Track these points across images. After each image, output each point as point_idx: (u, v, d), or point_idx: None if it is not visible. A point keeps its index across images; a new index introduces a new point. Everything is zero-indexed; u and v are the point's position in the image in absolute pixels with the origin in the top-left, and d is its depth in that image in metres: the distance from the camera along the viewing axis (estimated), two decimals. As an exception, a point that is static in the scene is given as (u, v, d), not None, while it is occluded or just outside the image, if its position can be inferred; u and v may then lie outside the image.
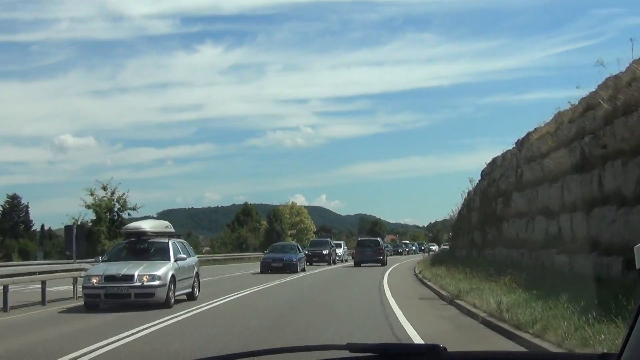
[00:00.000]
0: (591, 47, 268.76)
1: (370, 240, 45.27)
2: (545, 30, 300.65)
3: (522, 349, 8.13)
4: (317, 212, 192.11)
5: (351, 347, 2.18)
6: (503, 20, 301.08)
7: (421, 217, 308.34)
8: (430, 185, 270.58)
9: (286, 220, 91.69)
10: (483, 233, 27.58)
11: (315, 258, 39.97)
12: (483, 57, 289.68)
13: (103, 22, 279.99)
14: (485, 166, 30.40)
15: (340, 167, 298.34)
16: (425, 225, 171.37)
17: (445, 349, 2.10)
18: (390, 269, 35.00)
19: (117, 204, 46.35)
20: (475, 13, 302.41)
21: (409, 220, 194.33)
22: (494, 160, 27.56)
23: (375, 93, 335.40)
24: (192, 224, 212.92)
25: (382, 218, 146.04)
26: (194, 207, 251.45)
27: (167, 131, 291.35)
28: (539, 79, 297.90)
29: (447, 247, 55.32)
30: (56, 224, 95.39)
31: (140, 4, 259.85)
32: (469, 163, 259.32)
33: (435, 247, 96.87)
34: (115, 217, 45.96)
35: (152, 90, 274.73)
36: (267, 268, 31.00)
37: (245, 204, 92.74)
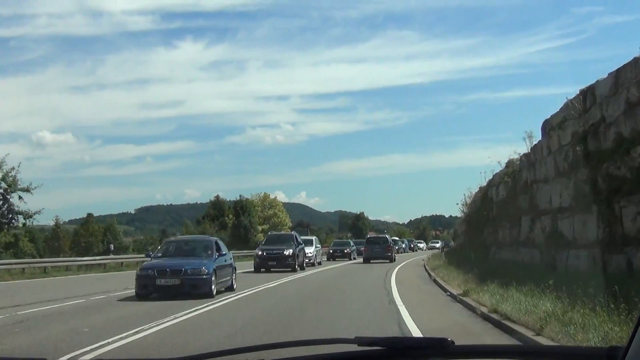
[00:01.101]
0: (571, 45, 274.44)
1: (379, 237, 47.18)
2: (525, 28, 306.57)
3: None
4: (297, 209, 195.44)
5: (360, 340, 2.23)
6: (483, 18, 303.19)
7: (401, 214, 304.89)
8: (411, 183, 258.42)
9: (256, 213, 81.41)
10: (510, 229, 21.60)
11: (272, 262, 29.02)
12: (463, 55, 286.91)
13: (82, 18, 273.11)
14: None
15: (320, 164, 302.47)
16: (406, 223, 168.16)
17: (452, 342, 2.15)
18: (395, 278, 24.17)
19: (2, 182, 35.04)
20: (455, 11, 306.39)
21: (388, 218, 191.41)
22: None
23: (356, 90, 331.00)
24: (170, 221, 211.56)
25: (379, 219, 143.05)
26: (173, 203, 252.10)
27: (147, 128, 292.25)
28: (518, 77, 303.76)
29: (450, 245, 53.90)
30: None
31: (120, 0, 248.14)
32: (450, 161, 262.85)
33: (422, 245, 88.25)
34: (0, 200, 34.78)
35: (132, 87, 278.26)
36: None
37: (217, 198, 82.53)
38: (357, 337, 2.22)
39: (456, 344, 2.15)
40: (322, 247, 47.23)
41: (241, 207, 68.07)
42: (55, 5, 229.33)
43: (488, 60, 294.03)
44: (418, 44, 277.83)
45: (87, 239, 72.22)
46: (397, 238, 77.23)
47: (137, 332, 9.86)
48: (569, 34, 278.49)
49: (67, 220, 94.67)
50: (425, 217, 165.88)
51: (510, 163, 22.81)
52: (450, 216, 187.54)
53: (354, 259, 45.74)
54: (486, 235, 28.59)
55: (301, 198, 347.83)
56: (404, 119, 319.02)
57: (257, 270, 28.42)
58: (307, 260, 33.18)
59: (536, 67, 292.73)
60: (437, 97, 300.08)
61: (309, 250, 34.72)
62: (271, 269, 28.45)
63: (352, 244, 51.18)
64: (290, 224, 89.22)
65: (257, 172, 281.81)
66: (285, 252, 29.00)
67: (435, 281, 21.44)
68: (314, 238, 41.73)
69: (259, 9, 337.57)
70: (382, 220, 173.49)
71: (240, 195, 71.23)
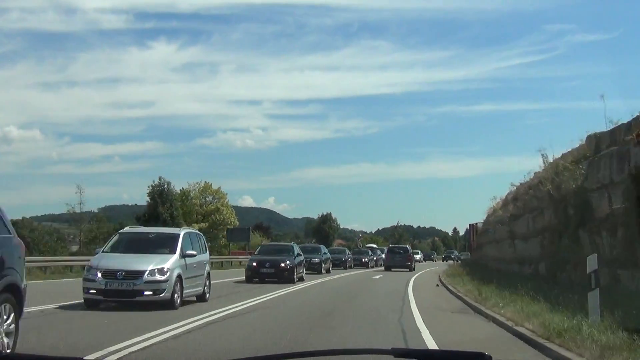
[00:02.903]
0: (542, 62, 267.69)
1: (400, 247, 50.09)
2: (497, 43, 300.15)
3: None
4: (264, 214, 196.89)
5: (396, 351, 2.22)
6: (456, 32, 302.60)
7: (369, 223, 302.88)
8: (379, 192, 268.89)
9: (192, 207, 62.49)
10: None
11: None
12: (435, 67, 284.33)
13: (55, 14, 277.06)
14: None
15: (290, 171, 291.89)
16: (374, 231, 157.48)
17: (490, 357, 2.14)
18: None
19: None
20: (429, 23, 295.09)
21: (356, 226, 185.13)
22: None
23: (328, 98, 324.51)
24: (134, 222, 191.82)
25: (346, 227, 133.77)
26: (138, 204, 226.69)
27: (116, 127, 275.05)
28: (488, 91, 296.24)
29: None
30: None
31: None
32: (419, 171, 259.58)
33: (419, 256, 72.83)
34: None
35: (103, 85, 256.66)
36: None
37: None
38: (393, 348, 2.23)
39: (494, 359, 2.12)
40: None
41: (159, 195, 48.95)
42: (27, 1, 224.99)
43: (460, 74, 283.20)
44: (391, 54, 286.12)
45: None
46: (374, 245, 60.07)
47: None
48: (541, 50, 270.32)
49: (27, 217, 79.88)
50: (399, 227, 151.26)
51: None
52: (419, 226, 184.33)
53: (327, 272, 34.95)
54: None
55: (269, 203, 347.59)
56: (374, 129, 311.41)
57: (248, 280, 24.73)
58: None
59: (507, 82, 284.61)
60: (408, 108, 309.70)
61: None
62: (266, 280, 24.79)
63: (323, 251, 37.71)
64: (237, 224, 70.81)
65: (226, 176, 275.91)
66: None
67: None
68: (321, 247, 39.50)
69: (234, 13, 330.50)
70: (350, 228, 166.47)
71: (159, 178, 52.07)
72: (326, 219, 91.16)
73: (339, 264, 39.91)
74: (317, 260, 33.02)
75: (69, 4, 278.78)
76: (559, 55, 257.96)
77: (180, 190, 69.81)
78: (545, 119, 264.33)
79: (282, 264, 24.70)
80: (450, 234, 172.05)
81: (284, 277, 24.44)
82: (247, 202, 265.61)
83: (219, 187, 70.16)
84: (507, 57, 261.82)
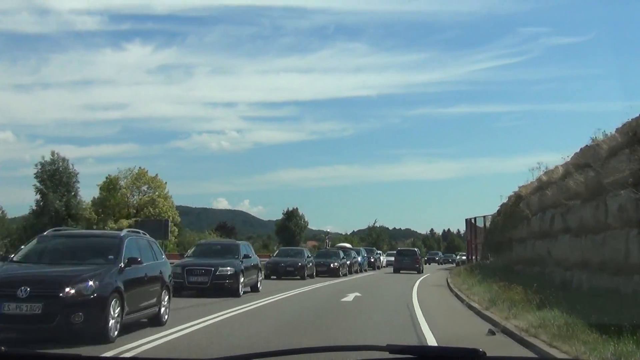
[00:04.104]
0: (516, 64, 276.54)
1: (409, 250, 51.52)
2: (472, 46, 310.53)
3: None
4: (239, 217, 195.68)
5: (391, 348, 2.26)
6: (432, 34, 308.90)
7: (344, 224, 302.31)
8: (354, 194, 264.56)
9: (123, 198, 50.61)
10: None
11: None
12: (411, 69, 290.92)
13: (29, 15, 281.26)
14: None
15: (265, 173, 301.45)
16: (349, 233, 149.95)
17: (484, 353, 2.20)
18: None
19: None
20: (405, 25, 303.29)
21: (330, 228, 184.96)
22: None
23: (304, 100, 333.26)
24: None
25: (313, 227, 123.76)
26: None
27: (90, 129, 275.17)
28: (463, 93, 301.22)
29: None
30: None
31: None
32: (394, 174, 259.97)
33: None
34: None
35: (77, 87, 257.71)
36: None
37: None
38: (389, 345, 2.27)
39: (488, 355, 2.20)
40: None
41: (51, 177, 35.52)
42: (1, 1, 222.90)
43: (435, 76, 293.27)
44: (367, 56, 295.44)
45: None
46: (348, 245, 48.22)
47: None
48: (515, 53, 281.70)
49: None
50: (376, 228, 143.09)
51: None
52: (395, 228, 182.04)
53: (309, 276, 29.81)
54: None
55: (244, 206, 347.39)
56: (350, 131, 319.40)
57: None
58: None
59: (481, 85, 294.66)
60: (383, 110, 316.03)
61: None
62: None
63: (307, 254, 32.49)
64: (179, 219, 58.67)
65: (201, 178, 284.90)
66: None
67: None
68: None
69: (210, 15, 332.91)
70: (325, 230, 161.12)
71: (52, 153, 38.87)
72: (292, 216, 78.20)
73: (292, 272, 27.80)
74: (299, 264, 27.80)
75: (43, 5, 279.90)
76: (534, 58, 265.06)
77: (106, 178, 57.12)
78: (519, 121, 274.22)
79: (223, 270, 18.28)
80: (427, 234, 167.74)
81: (224, 288, 18.14)
82: (222, 204, 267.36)
83: (156, 175, 57.30)
84: (482, 60, 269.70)
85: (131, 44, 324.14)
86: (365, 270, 43.56)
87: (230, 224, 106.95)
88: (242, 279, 18.53)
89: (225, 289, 18.04)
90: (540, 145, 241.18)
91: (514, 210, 26.09)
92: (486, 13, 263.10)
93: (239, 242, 22.60)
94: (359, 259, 41.78)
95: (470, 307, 15.47)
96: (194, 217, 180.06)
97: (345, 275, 34.58)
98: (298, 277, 28.04)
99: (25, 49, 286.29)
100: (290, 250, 32.10)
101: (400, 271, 41.69)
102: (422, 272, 42.49)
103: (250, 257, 20.68)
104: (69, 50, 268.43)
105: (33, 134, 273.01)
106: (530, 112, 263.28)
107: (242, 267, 18.81)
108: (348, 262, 36.82)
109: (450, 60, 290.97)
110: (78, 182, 42.36)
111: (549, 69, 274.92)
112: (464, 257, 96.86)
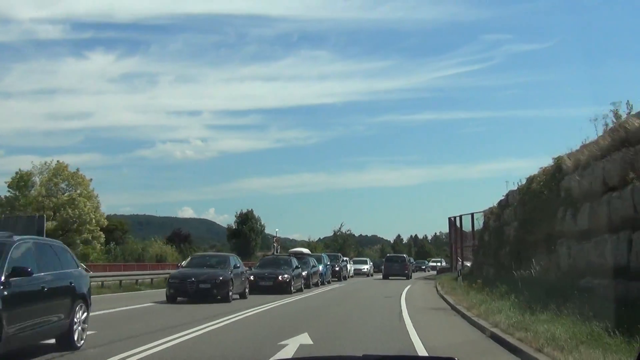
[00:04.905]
0: (479, 71, 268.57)
1: (398, 256, 52.12)
2: (435, 53, 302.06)
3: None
4: (204, 225, 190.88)
5: (367, 358, 2.29)
6: (395, 42, 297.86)
7: (311, 232, 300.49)
8: (319, 201, 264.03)
9: (36, 195, 41.27)
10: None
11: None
12: (375, 77, 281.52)
13: None
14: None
15: (230, 181, 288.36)
16: (315, 240, 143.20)
17: None
18: None
19: None
20: (368, 33, 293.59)
21: (297, 236, 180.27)
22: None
23: (268, 108, 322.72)
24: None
25: (270, 233, 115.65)
26: None
27: (53, 139, 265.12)
28: (427, 100, 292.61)
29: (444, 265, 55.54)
30: None
31: (30, 7, 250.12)
32: (359, 181, 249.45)
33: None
34: None
35: (39, 97, 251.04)
36: None
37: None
38: (365, 355, 2.28)
39: None
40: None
41: None
42: None
43: (399, 83, 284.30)
44: (331, 64, 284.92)
45: None
46: (304, 250, 39.32)
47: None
48: (478, 60, 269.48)
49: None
50: (343, 233, 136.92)
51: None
52: (361, 235, 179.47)
53: (238, 295, 22.25)
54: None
55: (210, 214, 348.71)
56: (314, 138, 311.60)
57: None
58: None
59: (445, 92, 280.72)
60: (348, 117, 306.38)
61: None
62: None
63: (236, 263, 23.29)
64: (105, 223, 49.50)
65: (166, 188, 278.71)
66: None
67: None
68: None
69: (173, 23, 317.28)
70: (291, 238, 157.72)
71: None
72: (246, 219, 68.39)
73: (207, 292, 18.77)
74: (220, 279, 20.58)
75: (3, 13, 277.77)
76: (496, 65, 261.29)
77: (16, 173, 47.66)
78: (483, 127, 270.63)
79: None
80: (397, 240, 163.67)
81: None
82: (187, 213, 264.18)
83: (77, 170, 47.59)
84: (445, 67, 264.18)
85: (94, 52, 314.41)
86: (329, 282, 34.36)
87: (186, 232, 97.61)
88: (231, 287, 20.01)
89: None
90: (504, 151, 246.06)
91: (548, 194, 17.30)
92: (449, 21, 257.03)
93: (229, 254, 25.07)
94: (320, 268, 32.64)
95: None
96: (158, 226, 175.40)
97: (299, 291, 25.29)
98: (219, 299, 19.38)
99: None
100: (208, 258, 22.51)
101: (389, 277, 42.89)
102: (411, 277, 43.65)
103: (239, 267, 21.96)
104: (30, 60, 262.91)
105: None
106: (493, 119, 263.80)
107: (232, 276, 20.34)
108: (304, 273, 27.55)
109: (414, 68, 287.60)
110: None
111: (511, 75, 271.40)
112: (439, 264, 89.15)
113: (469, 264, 39.10)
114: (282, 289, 23.36)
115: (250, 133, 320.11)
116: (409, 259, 52.35)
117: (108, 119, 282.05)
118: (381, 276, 52.37)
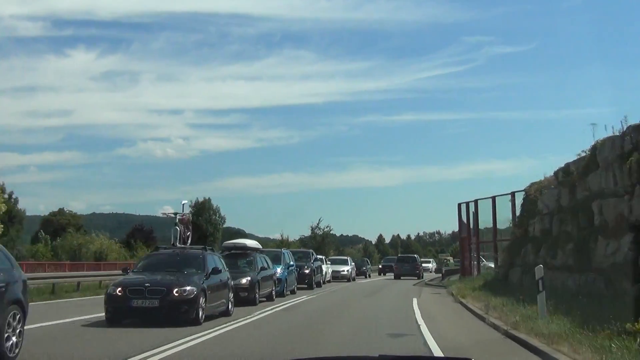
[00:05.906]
0: (461, 73, 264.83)
1: (409, 257, 53.74)
2: (417, 54, 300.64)
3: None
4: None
5: (383, 358, 2.26)
6: (377, 42, 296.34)
7: (291, 232, 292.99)
8: (301, 201, 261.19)
9: None
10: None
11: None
12: (357, 77, 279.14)
13: None
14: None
15: (212, 180, 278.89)
16: (297, 239, 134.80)
17: None
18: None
19: None
20: (350, 34, 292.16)
21: (277, 236, 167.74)
22: None
23: (251, 107, 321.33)
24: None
25: (252, 233, 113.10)
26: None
27: (32, 136, 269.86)
28: (409, 101, 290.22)
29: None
30: None
31: (10, 4, 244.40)
32: (341, 181, 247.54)
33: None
34: None
35: (19, 94, 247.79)
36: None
37: None
38: (381, 355, 2.26)
39: None
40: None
41: None
42: None
43: (381, 84, 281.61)
44: (313, 64, 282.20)
45: None
46: (253, 244, 27.46)
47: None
48: (460, 61, 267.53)
49: None
50: (323, 230, 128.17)
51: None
52: (342, 235, 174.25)
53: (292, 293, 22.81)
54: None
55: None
56: (297, 138, 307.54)
57: None
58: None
59: (427, 93, 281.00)
60: (330, 117, 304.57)
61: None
62: None
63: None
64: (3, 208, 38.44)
65: (147, 186, 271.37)
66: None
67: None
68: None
69: (155, 21, 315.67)
70: (272, 237, 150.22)
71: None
72: (202, 209, 56.79)
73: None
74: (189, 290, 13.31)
75: None
76: (477, 67, 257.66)
77: None
78: (464, 128, 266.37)
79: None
80: (383, 240, 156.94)
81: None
82: (168, 212, 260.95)
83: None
84: (427, 68, 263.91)
85: (75, 50, 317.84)
86: (292, 292, 23.41)
87: (148, 228, 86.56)
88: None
89: None
90: (485, 152, 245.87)
91: None
92: (430, 22, 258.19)
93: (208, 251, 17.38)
94: (278, 270, 21.69)
95: None
96: (138, 224, 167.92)
97: (225, 314, 14.34)
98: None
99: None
100: (172, 257, 14.62)
101: (401, 277, 44.19)
102: (422, 277, 44.63)
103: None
104: (10, 57, 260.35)
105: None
106: (474, 120, 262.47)
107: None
108: (245, 281, 16.58)
109: (396, 69, 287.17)
110: None
111: (492, 77, 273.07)
112: (429, 264, 78.75)
113: (492, 265, 29.08)
114: (179, 314, 12.25)
115: (232, 132, 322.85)
116: (419, 260, 52.32)
117: (89, 117, 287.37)
118: (364, 280, 46.66)
